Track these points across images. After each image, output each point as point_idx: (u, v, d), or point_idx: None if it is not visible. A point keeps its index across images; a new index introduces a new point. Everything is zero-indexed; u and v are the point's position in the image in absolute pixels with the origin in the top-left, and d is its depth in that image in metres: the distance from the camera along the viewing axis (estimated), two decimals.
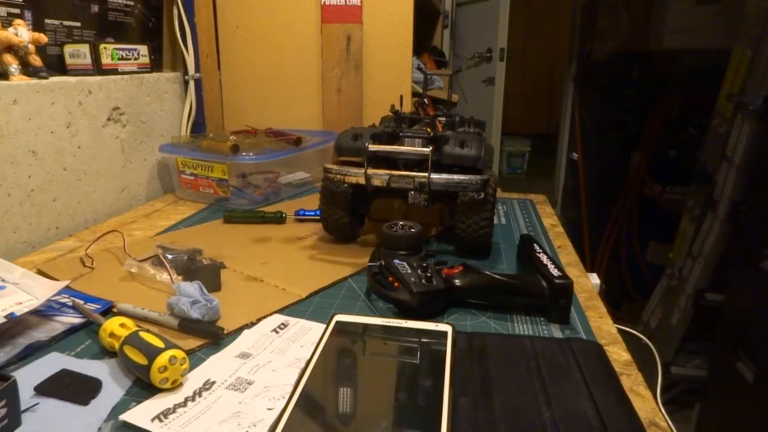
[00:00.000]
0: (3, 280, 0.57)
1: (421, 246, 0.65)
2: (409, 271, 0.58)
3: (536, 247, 0.65)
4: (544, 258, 0.62)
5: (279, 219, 0.88)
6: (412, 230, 0.65)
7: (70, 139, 0.86)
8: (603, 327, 0.57)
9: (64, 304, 0.57)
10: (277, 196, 1.04)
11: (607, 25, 2.81)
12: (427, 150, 0.69)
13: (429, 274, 0.57)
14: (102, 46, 0.93)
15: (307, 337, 0.52)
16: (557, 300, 0.56)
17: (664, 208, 2.25)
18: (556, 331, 0.55)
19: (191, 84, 1.17)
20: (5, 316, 0.50)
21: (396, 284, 0.58)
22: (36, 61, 0.81)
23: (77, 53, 0.90)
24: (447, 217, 0.80)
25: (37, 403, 0.42)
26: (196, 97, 1.18)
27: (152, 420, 0.40)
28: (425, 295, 0.56)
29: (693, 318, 1.77)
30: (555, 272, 0.58)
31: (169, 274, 0.63)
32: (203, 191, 1.00)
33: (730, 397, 1.43)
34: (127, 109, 0.99)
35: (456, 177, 0.68)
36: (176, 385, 0.44)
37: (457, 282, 0.58)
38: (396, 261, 0.60)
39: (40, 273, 0.66)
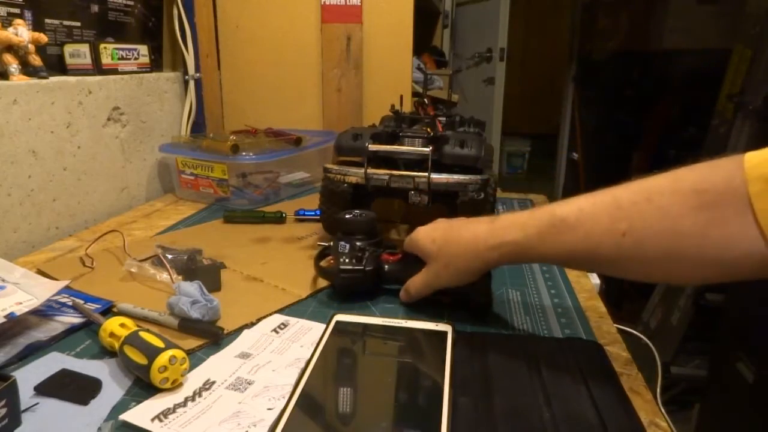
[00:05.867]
0: (3, 280, 0.57)
1: (376, 233, 0.65)
2: (347, 251, 0.61)
3: None
4: None
5: (279, 219, 0.88)
6: (363, 216, 0.66)
7: (70, 139, 0.86)
8: (603, 327, 0.57)
9: (64, 304, 0.57)
10: (277, 196, 1.04)
11: (607, 25, 2.81)
12: (427, 150, 0.69)
13: (361, 256, 0.60)
14: (102, 46, 0.93)
15: (307, 337, 0.52)
16: (476, 297, 0.58)
17: None
18: (556, 331, 0.55)
19: (191, 84, 1.17)
20: (5, 316, 0.50)
21: (331, 261, 0.62)
22: (36, 60, 0.81)
23: (77, 53, 0.90)
24: (447, 217, 0.80)
25: (37, 403, 0.42)
26: (196, 97, 1.18)
27: (152, 420, 0.40)
28: (348, 272, 0.60)
29: (693, 318, 1.77)
30: None
31: (169, 274, 0.63)
32: (203, 191, 1.00)
33: (730, 397, 1.43)
34: (127, 109, 0.99)
35: (456, 177, 0.68)
36: (176, 385, 0.44)
37: (386, 267, 0.62)
38: (341, 242, 0.62)
39: (40, 273, 0.66)
